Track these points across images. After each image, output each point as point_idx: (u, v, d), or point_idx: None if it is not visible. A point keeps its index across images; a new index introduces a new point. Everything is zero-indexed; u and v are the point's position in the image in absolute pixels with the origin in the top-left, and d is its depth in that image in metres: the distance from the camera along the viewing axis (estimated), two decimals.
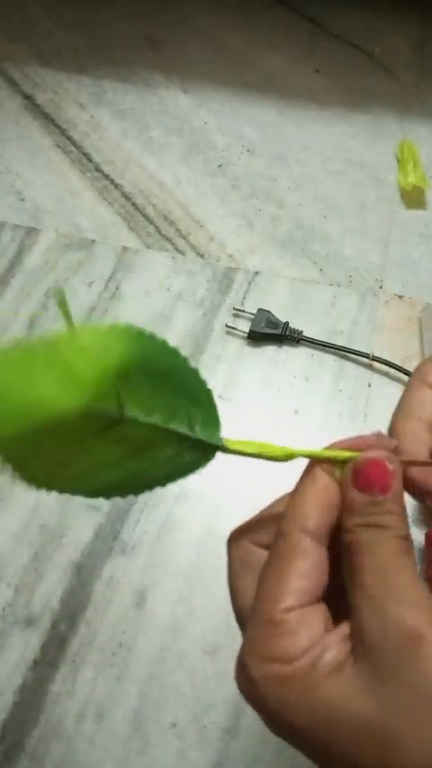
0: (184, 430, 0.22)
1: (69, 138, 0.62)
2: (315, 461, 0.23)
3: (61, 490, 0.21)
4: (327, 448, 0.23)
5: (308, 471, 0.23)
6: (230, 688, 0.42)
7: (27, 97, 0.64)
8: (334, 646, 0.20)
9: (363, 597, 0.20)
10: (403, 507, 0.22)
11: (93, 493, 0.22)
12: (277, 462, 0.23)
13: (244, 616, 0.23)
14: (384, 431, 0.26)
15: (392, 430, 0.26)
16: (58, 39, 0.67)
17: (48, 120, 0.63)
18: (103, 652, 0.43)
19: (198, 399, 0.22)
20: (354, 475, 0.22)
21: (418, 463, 0.24)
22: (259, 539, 0.24)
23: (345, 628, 0.21)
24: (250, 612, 0.22)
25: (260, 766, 0.41)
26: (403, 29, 0.69)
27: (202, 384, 0.22)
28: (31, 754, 0.41)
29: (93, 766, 0.41)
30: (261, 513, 0.25)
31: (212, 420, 0.23)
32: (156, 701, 0.42)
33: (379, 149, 0.62)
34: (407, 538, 0.21)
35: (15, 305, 0.54)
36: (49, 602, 0.44)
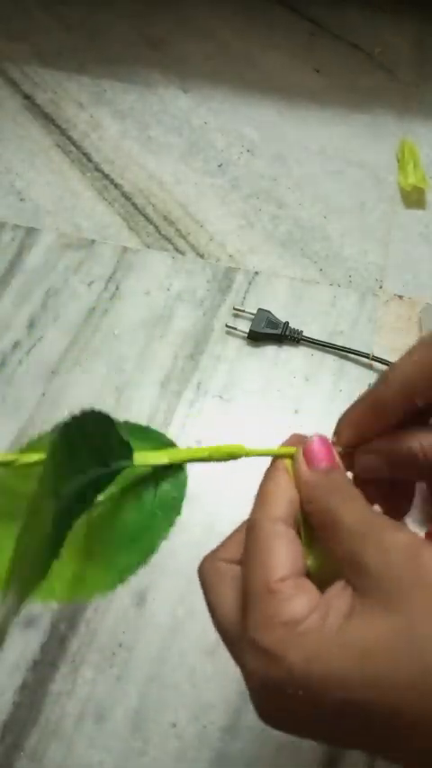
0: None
1: (69, 138, 0.62)
2: (274, 460, 0.26)
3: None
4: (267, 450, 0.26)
5: (267, 473, 0.26)
6: (230, 688, 0.43)
7: (27, 97, 0.64)
8: (338, 597, 0.21)
9: (353, 537, 0.22)
10: (351, 483, 0.24)
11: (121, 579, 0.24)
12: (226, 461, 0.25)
13: (226, 627, 0.24)
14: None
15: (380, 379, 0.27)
16: (58, 39, 0.67)
17: (48, 119, 0.63)
18: (103, 652, 0.43)
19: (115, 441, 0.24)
20: (304, 456, 0.25)
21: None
22: (228, 556, 0.25)
23: (338, 584, 0.22)
24: (245, 596, 0.22)
25: (260, 766, 0.41)
26: (403, 29, 0.69)
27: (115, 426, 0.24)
28: (30, 755, 0.41)
29: (93, 766, 0.41)
30: (225, 539, 0.26)
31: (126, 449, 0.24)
32: (156, 701, 0.42)
33: (379, 149, 0.62)
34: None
35: (15, 305, 0.54)
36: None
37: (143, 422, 0.49)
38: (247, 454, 0.26)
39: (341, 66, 0.66)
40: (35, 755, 0.41)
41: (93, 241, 0.57)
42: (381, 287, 0.56)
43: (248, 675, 0.21)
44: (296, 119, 0.63)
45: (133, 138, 0.62)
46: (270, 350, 0.53)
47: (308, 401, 0.51)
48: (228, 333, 0.53)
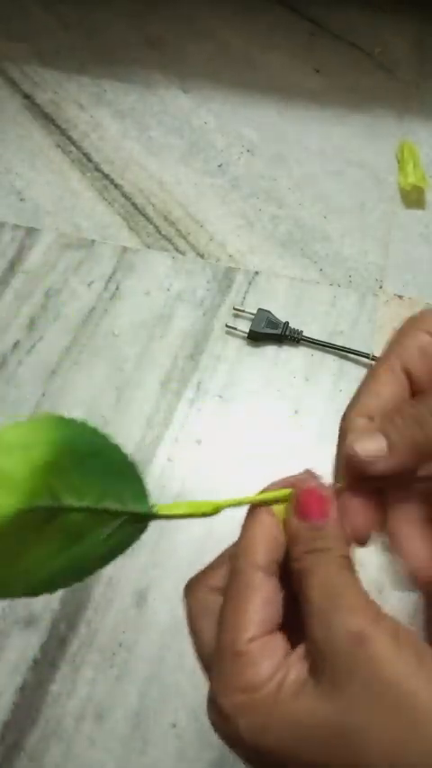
0: (117, 506, 0.23)
1: (69, 138, 0.62)
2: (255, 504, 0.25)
3: (5, 594, 0.22)
4: (262, 491, 0.25)
5: (251, 512, 0.25)
6: None
7: (27, 97, 0.64)
8: (295, 666, 0.22)
9: (311, 613, 0.22)
10: (341, 530, 0.24)
11: (38, 589, 0.22)
12: (208, 517, 0.25)
13: (204, 658, 0.24)
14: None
15: (341, 425, 0.26)
16: (58, 38, 0.67)
17: (48, 120, 0.63)
18: (103, 652, 0.43)
19: (125, 474, 0.23)
20: (294, 507, 0.24)
21: (350, 488, 0.25)
22: (213, 584, 0.25)
23: (302, 648, 0.22)
24: (214, 650, 0.23)
25: None
26: (403, 29, 0.69)
27: (126, 458, 0.23)
28: (31, 755, 0.41)
29: (93, 766, 0.41)
30: (213, 561, 0.26)
31: (140, 491, 0.23)
32: (156, 701, 0.42)
33: (379, 149, 0.62)
34: (347, 556, 0.23)
35: (15, 305, 0.54)
36: (49, 602, 0.44)
37: (143, 421, 0.50)
38: (226, 506, 0.25)
39: (341, 66, 0.66)
40: (35, 755, 0.41)
41: (93, 241, 0.57)
42: (381, 287, 0.56)
43: (210, 722, 0.23)
44: (296, 119, 0.63)
45: (133, 138, 0.62)
46: (270, 350, 0.53)
47: (308, 401, 0.51)
48: (228, 333, 0.53)
